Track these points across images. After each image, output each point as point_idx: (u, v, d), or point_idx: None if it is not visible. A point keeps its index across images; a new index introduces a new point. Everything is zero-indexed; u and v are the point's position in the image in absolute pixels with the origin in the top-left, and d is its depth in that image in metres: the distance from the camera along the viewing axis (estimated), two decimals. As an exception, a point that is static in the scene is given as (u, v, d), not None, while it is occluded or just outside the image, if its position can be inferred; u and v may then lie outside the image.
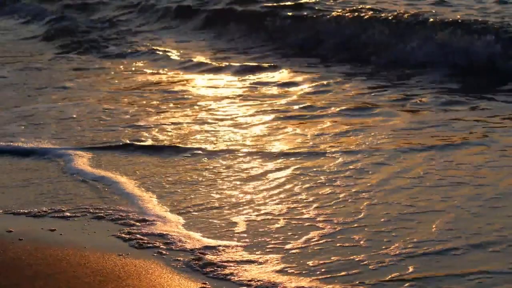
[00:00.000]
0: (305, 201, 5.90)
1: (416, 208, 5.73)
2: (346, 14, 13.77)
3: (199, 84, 10.26)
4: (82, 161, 6.85)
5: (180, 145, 7.28)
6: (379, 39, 12.63)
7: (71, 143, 7.40)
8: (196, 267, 4.67)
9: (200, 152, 7.06)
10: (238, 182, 6.30)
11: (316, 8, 14.80)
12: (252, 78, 10.73)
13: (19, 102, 9.29)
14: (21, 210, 5.62)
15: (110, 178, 6.44)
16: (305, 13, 14.51)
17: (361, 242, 5.13)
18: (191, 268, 4.64)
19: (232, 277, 4.58)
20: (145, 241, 5.05)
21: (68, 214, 5.58)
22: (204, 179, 6.37)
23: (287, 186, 6.22)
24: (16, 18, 17.08)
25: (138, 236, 5.15)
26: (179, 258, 4.79)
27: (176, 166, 6.70)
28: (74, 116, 8.51)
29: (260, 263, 4.80)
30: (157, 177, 6.44)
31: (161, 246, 4.99)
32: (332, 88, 9.96)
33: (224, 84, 10.32)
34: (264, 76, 10.82)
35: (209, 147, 7.22)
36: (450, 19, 12.44)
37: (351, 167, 6.66)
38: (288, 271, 4.69)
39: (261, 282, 4.52)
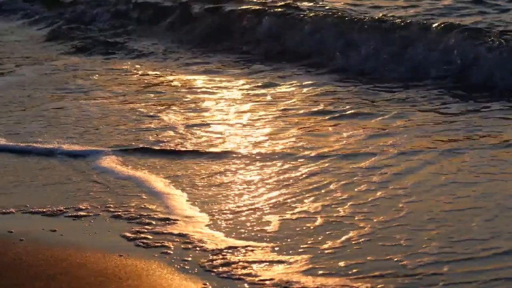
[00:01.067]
0: (341, 198, 5.84)
1: (454, 204, 5.66)
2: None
3: (203, 85, 10.19)
4: (108, 161, 6.80)
5: (207, 147, 7.18)
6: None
7: (95, 143, 7.35)
8: (209, 268, 4.64)
9: (229, 154, 6.94)
10: (270, 183, 6.22)
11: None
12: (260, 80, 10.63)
13: (39, 101, 9.26)
14: (38, 209, 5.62)
15: (138, 177, 6.39)
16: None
17: (402, 242, 5.06)
18: (201, 269, 4.60)
19: (246, 277, 4.54)
20: (153, 241, 5.01)
21: (83, 213, 5.56)
22: (235, 181, 6.28)
23: (323, 187, 6.12)
24: (17, 19, 17.01)
25: (148, 236, 5.09)
26: (186, 259, 4.76)
27: (205, 168, 6.59)
28: (95, 116, 8.46)
29: (287, 263, 4.75)
30: (187, 178, 6.35)
31: (170, 246, 4.95)
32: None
33: (228, 85, 10.25)
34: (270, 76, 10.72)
35: (237, 149, 7.11)
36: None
37: (385, 166, 6.57)
38: (316, 271, 4.64)
39: (275, 281, 4.49)
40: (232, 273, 4.61)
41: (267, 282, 4.52)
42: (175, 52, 12.55)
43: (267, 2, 14.03)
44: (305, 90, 9.61)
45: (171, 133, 7.72)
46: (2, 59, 12.30)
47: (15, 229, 5.19)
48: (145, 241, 5.08)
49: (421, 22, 11.44)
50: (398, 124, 7.94)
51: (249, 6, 13.68)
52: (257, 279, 4.55)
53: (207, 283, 4.46)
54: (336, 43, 11.56)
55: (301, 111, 8.52)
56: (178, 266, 4.68)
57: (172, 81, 10.29)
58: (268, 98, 9.21)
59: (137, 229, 5.26)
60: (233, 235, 5.21)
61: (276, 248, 4.99)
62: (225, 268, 4.66)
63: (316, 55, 11.50)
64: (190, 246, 5.00)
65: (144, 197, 5.96)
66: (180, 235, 5.19)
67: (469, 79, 9.85)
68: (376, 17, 12.12)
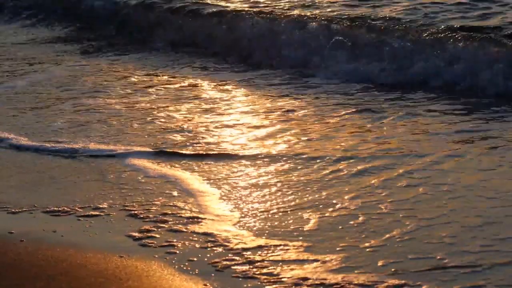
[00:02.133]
0: (382, 195, 5.78)
1: (499, 201, 5.57)
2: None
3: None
4: (138, 160, 6.77)
5: (240, 149, 7.06)
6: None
7: (121, 142, 7.30)
8: (221, 268, 4.60)
9: (263, 156, 6.80)
10: (306, 182, 6.12)
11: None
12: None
13: (58, 101, 9.24)
14: (52, 208, 5.60)
15: (171, 175, 6.37)
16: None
17: (445, 239, 4.97)
18: (204, 269, 4.56)
19: (264, 276, 4.49)
20: (161, 241, 4.98)
21: (97, 212, 5.53)
22: (271, 182, 6.16)
23: (362, 184, 6.05)
24: (18, 20, 16.91)
25: (156, 235, 5.06)
26: (191, 259, 4.71)
27: (238, 169, 6.50)
28: (120, 116, 8.45)
29: (320, 262, 4.70)
30: (219, 178, 6.27)
31: (178, 245, 4.91)
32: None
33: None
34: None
35: (268, 150, 7.00)
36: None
37: (426, 163, 6.49)
38: (348, 269, 4.59)
39: (294, 279, 4.45)
40: (248, 272, 4.58)
41: (285, 279, 4.50)
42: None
43: None
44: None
45: (195, 134, 7.67)
46: (15, 59, 12.28)
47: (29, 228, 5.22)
48: (150, 241, 5.03)
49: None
50: (436, 122, 7.90)
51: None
52: (276, 278, 4.53)
53: (208, 284, 4.45)
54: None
55: (332, 111, 8.46)
56: (180, 267, 4.63)
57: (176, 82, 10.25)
58: (292, 100, 9.13)
59: (148, 228, 5.23)
60: (263, 235, 5.14)
61: (310, 247, 4.93)
62: (242, 268, 4.62)
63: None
64: (211, 245, 4.95)
65: (174, 194, 5.93)
66: (205, 233, 5.15)
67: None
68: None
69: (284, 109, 8.55)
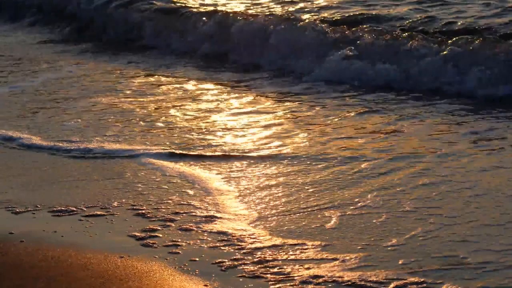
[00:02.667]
0: (404, 193, 5.66)
1: None
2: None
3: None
4: (154, 159, 6.70)
5: (257, 150, 6.93)
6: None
7: (139, 142, 7.26)
8: (226, 267, 4.49)
9: (283, 157, 6.66)
10: (328, 183, 5.98)
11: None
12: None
13: (73, 100, 9.25)
14: (58, 208, 5.50)
15: (187, 175, 6.27)
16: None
17: (468, 237, 4.85)
18: (206, 269, 4.44)
19: (272, 276, 4.39)
20: (165, 241, 4.87)
21: (102, 212, 5.42)
22: (290, 182, 6.03)
23: (384, 182, 5.94)
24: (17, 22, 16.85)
25: (159, 234, 4.96)
26: (194, 259, 4.60)
27: (257, 170, 6.35)
28: (133, 115, 8.40)
29: (337, 261, 4.60)
30: (237, 178, 6.16)
31: (182, 245, 4.81)
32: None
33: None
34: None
35: (286, 151, 6.87)
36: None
37: (449, 161, 6.38)
38: (366, 268, 4.48)
39: (304, 278, 4.34)
40: (255, 272, 4.47)
41: (295, 278, 4.40)
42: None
43: None
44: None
45: (209, 133, 7.60)
46: (22, 59, 12.34)
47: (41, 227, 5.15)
48: (152, 241, 4.95)
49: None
50: (455, 122, 7.76)
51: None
52: (285, 276, 4.43)
53: (208, 284, 4.30)
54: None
55: (346, 112, 8.32)
56: (181, 267, 4.54)
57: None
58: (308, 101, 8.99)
59: (152, 227, 5.14)
60: (280, 234, 5.02)
61: (329, 246, 4.82)
62: (250, 267, 4.51)
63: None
64: (222, 244, 4.87)
65: (190, 193, 5.85)
66: (219, 232, 5.06)
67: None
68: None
69: (293, 110, 8.49)
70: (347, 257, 4.64)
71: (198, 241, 4.96)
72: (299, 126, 7.73)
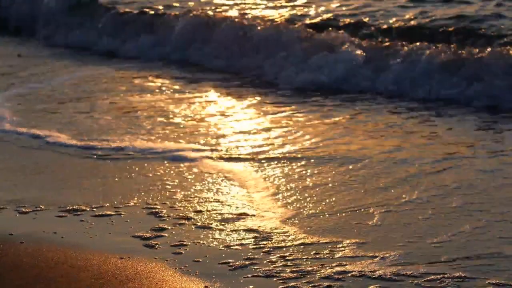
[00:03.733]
0: (450, 188, 5.65)
1: None
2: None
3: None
4: (187, 157, 6.66)
5: (293, 153, 6.79)
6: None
7: (171, 140, 7.25)
8: (233, 268, 4.42)
9: (321, 157, 6.60)
10: (372, 181, 5.95)
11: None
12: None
13: (99, 99, 9.22)
14: (70, 208, 5.44)
15: (223, 172, 6.26)
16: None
17: None
18: (208, 270, 4.37)
19: (288, 274, 4.33)
20: (171, 240, 4.82)
21: (110, 212, 5.36)
22: (330, 181, 5.98)
23: (429, 177, 5.94)
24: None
25: (165, 234, 4.90)
26: (198, 259, 4.53)
27: (295, 171, 6.25)
28: (164, 114, 8.35)
29: (376, 258, 4.53)
30: (275, 178, 6.08)
31: (188, 244, 4.76)
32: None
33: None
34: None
35: (328, 151, 6.80)
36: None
37: (492, 160, 6.37)
38: (402, 264, 4.43)
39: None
40: (269, 271, 4.40)
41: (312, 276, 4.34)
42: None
43: None
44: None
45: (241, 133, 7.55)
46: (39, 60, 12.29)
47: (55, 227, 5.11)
48: (156, 241, 4.87)
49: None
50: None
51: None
52: (301, 274, 4.38)
53: (208, 285, 4.25)
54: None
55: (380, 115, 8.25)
56: (182, 268, 4.46)
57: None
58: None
59: (162, 227, 5.07)
60: (317, 232, 4.96)
61: (367, 243, 4.76)
62: (263, 267, 4.44)
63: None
64: (243, 242, 4.83)
65: (222, 191, 5.84)
66: (249, 230, 5.02)
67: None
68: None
69: (322, 113, 8.35)
70: (387, 254, 4.58)
71: (210, 240, 4.89)
72: (335, 127, 7.68)
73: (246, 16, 12.64)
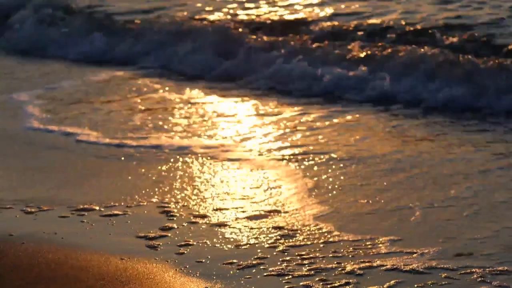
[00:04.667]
0: (495, 182, 5.63)
1: None
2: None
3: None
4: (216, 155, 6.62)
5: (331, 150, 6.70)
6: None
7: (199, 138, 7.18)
8: (240, 268, 4.33)
9: (360, 157, 6.46)
10: (414, 179, 5.86)
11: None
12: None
13: (129, 98, 9.16)
14: (81, 207, 5.38)
15: (251, 169, 6.22)
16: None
17: None
18: (209, 270, 4.28)
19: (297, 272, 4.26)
20: (176, 240, 4.74)
21: (117, 212, 5.28)
22: (367, 182, 5.87)
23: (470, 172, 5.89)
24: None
25: (169, 234, 4.82)
26: (200, 260, 4.45)
27: (331, 170, 6.13)
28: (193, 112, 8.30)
29: (415, 254, 4.47)
30: (308, 177, 5.99)
31: (193, 244, 4.66)
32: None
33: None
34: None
35: (361, 152, 6.66)
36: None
37: None
38: (438, 260, 4.37)
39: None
40: (282, 270, 4.32)
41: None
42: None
43: None
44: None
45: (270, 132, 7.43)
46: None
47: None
48: (158, 241, 4.79)
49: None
50: None
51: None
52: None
53: (208, 286, 4.14)
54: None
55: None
56: (182, 268, 4.38)
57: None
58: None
59: (169, 226, 4.99)
60: (354, 230, 4.89)
61: (404, 240, 4.69)
62: (272, 267, 4.35)
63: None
64: (283, 237, 4.77)
65: (249, 187, 5.79)
66: (278, 227, 4.95)
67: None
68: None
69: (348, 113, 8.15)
70: (425, 251, 4.51)
71: (215, 239, 4.81)
72: (369, 128, 7.52)
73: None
